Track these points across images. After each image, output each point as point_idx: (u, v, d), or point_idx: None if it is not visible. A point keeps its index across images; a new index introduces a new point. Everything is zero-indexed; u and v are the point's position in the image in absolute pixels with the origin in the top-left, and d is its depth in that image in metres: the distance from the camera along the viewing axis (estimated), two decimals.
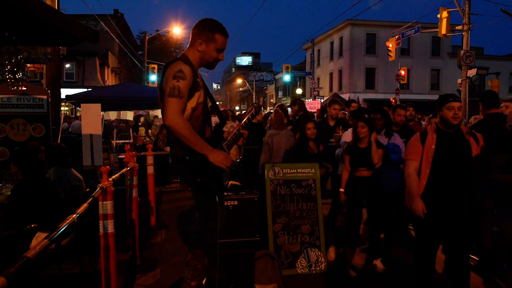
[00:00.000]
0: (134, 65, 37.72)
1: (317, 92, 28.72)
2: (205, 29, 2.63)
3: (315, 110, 17.95)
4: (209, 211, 2.74)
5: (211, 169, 2.53)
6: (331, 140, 5.53)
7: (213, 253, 2.87)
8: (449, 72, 31.02)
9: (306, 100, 28.25)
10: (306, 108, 7.54)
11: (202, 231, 2.81)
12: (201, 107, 2.64)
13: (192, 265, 2.79)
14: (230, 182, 4.60)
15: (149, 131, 13.21)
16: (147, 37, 28.67)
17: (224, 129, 2.93)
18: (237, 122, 9.59)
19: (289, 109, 8.61)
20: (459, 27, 15.71)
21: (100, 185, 2.83)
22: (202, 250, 2.77)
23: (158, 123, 13.49)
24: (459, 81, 15.75)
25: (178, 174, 5.42)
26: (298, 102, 6.99)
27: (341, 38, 33.55)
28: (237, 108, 63.20)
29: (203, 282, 2.88)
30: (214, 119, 3.02)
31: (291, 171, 4.32)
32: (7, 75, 11.79)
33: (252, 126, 3.02)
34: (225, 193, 3.96)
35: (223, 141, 2.79)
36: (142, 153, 7.15)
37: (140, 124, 13.28)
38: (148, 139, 11.42)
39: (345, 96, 28.99)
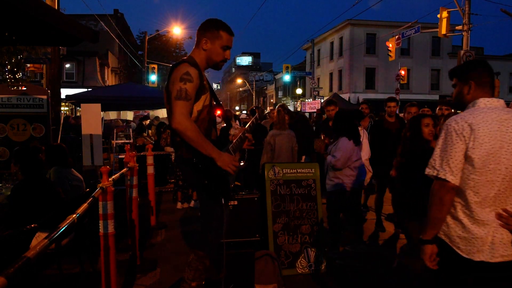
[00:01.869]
0: (134, 65, 37.71)
1: (317, 92, 28.70)
2: (209, 27, 2.64)
3: (315, 110, 17.96)
4: (211, 213, 2.74)
5: (217, 172, 2.53)
6: (331, 140, 5.53)
7: (215, 254, 2.87)
8: None
9: (306, 100, 28.25)
10: (297, 110, 7.54)
11: (203, 232, 2.81)
12: (206, 110, 2.64)
13: (194, 266, 2.79)
14: None
15: (149, 131, 13.22)
16: (147, 37, 28.68)
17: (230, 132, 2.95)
18: (237, 121, 9.59)
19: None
20: (459, 27, 15.71)
21: (100, 185, 2.83)
22: (205, 251, 2.77)
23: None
24: None
25: (183, 176, 5.48)
26: (284, 107, 7.02)
27: (341, 38, 33.54)
28: (237, 108, 63.22)
29: (203, 282, 2.88)
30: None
31: (291, 171, 4.32)
32: (7, 75, 11.77)
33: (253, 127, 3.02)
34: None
35: (229, 144, 2.79)
36: (142, 153, 7.15)
37: (145, 124, 13.30)
38: (148, 139, 11.42)
39: (345, 96, 28.99)
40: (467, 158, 1.90)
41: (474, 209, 1.91)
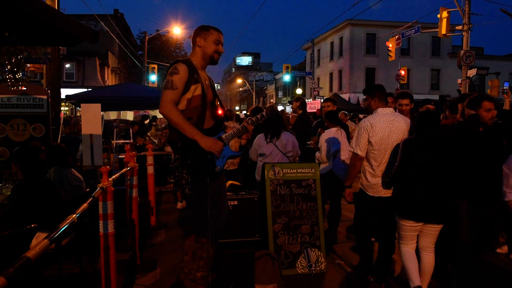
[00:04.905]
0: (134, 65, 37.70)
1: (317, 92, 28.67)
2: (200, 29, 3.05)
3: (315, 110, 17.95)
4: (198, 192, 2.88)
5: (201, 153, 2.73)
6: (308, 142, 5.50)
7: (217, 242, 3.02)
8: (449, 72, 30.99)
9: (306, 100, 28.19)
10: (306, 109, 7.58)
11: (193, 214, 2.97)
12: (198, 100, 2.85)
13: (198, 255, 2.84)
14: (230, 182, 4.61)
15: (149, 132, 13.17)
16: (147, 37, 28.68)
17: (226, 123, 3.06)
18: (238, 123, 9.57)
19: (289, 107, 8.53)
20: (459, 27, 15.71)
21: (100, 185, 2.84)
22: (206, 237, 2.83)
23: (161, 125, 13.45)
24: (459, 81, 15.75)
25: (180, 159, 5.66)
26: (301, 100, 7.10)
27: (341, 38, 33.52)
28: (237, 108, 63.18)
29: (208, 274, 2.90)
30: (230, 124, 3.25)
31: (291, 171, 4.32)
32: (7, 75, 11.77)
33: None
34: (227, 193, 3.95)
35: (223, 133, 2.95)
36: (142, 153, 7.15)
37: (146, 123, 13.26)
38: (148, 139, 11.37)
39: (345, 96, 28.98)
40: (369, 142, 3.42)
41: (374, 169, 3.47)
